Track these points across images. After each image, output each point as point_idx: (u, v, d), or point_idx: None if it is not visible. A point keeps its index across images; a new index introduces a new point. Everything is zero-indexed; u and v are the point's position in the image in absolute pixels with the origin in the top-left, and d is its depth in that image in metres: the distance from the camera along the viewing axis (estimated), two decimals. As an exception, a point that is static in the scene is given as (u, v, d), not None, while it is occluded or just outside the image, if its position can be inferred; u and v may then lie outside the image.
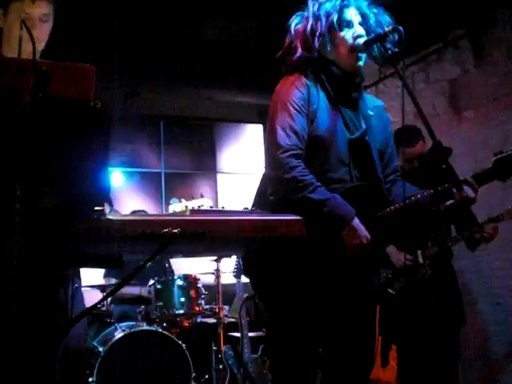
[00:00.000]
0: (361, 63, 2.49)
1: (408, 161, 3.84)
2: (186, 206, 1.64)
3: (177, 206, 3.58)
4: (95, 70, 1.45)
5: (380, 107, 2.69)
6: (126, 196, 7.05)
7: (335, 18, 2.45)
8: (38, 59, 1.44)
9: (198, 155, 7.75)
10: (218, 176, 7.74)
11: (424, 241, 3.81)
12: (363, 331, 2.47)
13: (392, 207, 2.41)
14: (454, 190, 2.28)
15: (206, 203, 3.64)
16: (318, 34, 2.45)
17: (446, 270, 3.93)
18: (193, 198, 3.61)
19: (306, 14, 2.52)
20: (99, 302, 2.52)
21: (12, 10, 2.24)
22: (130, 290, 5.24)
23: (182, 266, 5.98)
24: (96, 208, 1.47)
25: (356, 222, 2.33)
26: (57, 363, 1.98)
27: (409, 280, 3.84)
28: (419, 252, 3.82)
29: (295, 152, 2.37)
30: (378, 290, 3.99)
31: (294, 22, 2.56)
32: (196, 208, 3.57)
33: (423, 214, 2.41)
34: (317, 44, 2.46)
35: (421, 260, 3.82)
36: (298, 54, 2.50)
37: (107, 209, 2.00)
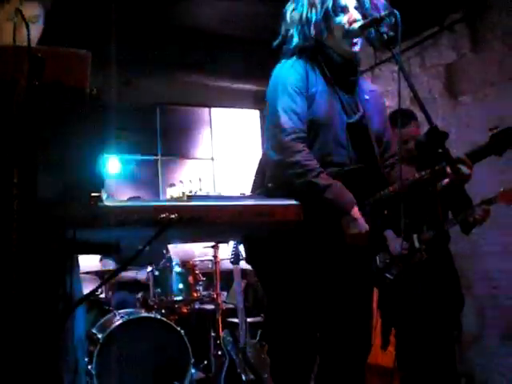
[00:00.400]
0: (357, 48, 2.49)
1: (403, 143, 3.85)
2: (184, 192, 1.64)
3: (174, 190, 3.57)
4: (91, 56, 1.45)
5: (376, 92, 2.69)
6: (124, 183, 7.05)
7: (330, 4, 2.44)
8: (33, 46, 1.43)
9: (195, 142, 7.75)
10: (215, 162, 7.74)
11: (420, 225, 3.82)
12: (360, 315, 2.49)
13: (389, 188, 2.41)
14: (447, 168, 2.29)
15: (204, 187, 3.63)
16: (313, 21, 2.44)
17: (443, 253, 3.94)
18: (191, 182, 3.59)
19: (301, 0, 2.51)
20: (98, 288, 2.52)
21: (0, 12, 2.23)
22: (126, 275, 5.25)
23: (179, 252, 5.99)
24: (93, 194, 1.48)
25: (356, 211, 2.33)
26: (61, 350, 1.99)
27: (406, 265, 3.85)
28: (415, 236, 3.83)
29: (299, 135, 2.37)
30: (375, 273, 4.02)
31: (290, 9, 2.55)
32: (195, 192, 3.56)
33: (420, 194, 2.42)
34: (312, 33, 2.45)
35: (417, 244, 3.83)
36: (294, 43, 2.50)
37: (104, 195, 2.00)
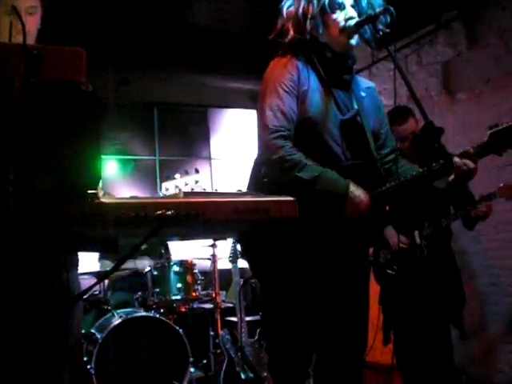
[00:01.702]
0: (353, 42, 2.49)
1: (401, 139, 3.86)
2: (180, 189, 1.64)
3: (171, 184, 3.55)
4: (86, 53, 1.46)
5: (372, 88, 2.69)
6: (121, 184, 7.05)
7: (327, 0, 2.45)
8: (29, 43, 1.43)
9: (192, 142, 7.75)
10: (212, 162, 7.74)
11: (422, 220, 3.83)
12: (356, 311, 2.49)
13: (389, 184, 2.41)
14: (455, 161, 2.28)
15: (200, 178, 3.61)
16: (309, 16, 2.45)
17: (444, 250, 3.94)
18: (187, 174, 3.58)
19: None
20: (95, 284, 2.53)
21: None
22: (125, 266, 5.23)
23: (177, 251, 5.99)
24: (90, 191, 1.48)
25: (352, 190, 2.32)
26: (58, 347, 1.99)
27: (407, 261, 3.86)
28: (416, 232, 3.84)
29: (282, 133, 2.37)
30: (377, 269, 4.03)
31: (286, 5, 2.56)
32: (192, 184, 3.55)
33: (420, 191, 2.42)
34: (308, 27, 2.46)
35: (418, 240, 3.84)
36: (289, 37, 2.50)
37: (101, 192, 2.00)
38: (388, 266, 3.97)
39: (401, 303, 3.89)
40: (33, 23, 2.26)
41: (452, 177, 2.33)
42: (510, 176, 4.22)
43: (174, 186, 3.52)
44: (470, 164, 2.29)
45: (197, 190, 3.47)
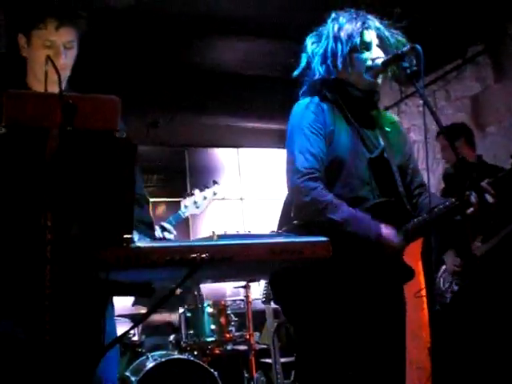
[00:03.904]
0: (379, 80, 2.51)
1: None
2: (214, 232, 1.65)
3: (190, 200, 3.52)
4: (120, 102, 1.49)
5: (396, 123, 2.70)
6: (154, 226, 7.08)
7: (358, 40, 2.47)
8: (65, 92, 1.46)
9: (224, 182, 7.79)
10: (244, 202, 7.76)
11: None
12: (393, 350, 2.45)
13: (415, 220, 2.40)
14: (472, 197, 2.26)
15: (218, 190, 3.60)
16: (339, 55, 2.47)
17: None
18: (206, 188, 3.57)
19: (324, 34, 2.54)
20: (130, 329, 2.53)
21: (35, 38, 2.22)
22: (158, 317, 5.25)
23: (211, 293, 5.98)
24: (125, 236, 1.50)
25: (384, 232, 2.32)
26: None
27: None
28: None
29: (313, 175, 2.37)
30: (436, 295, 3.96)
31: (310, 41, 2.59)
32: (211, 197, 3.50)
33: (446, 223, 2.40)
34: (340, 66, 2.47)
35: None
36: (317, 75, 2.52)
37: (136, 237, 2.02)
38: (447, 290, 3.91)
39: (461, 332, 3.78)
40: (70, 57, 2.29)
41: (471, 209, 2.30)
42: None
43: (193, 202, 3.50)
44: (490, 199, 2.26)
45: (216, 199, 3.42)
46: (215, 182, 3.65)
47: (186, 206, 3.53)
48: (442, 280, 4.11)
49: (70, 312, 1.72)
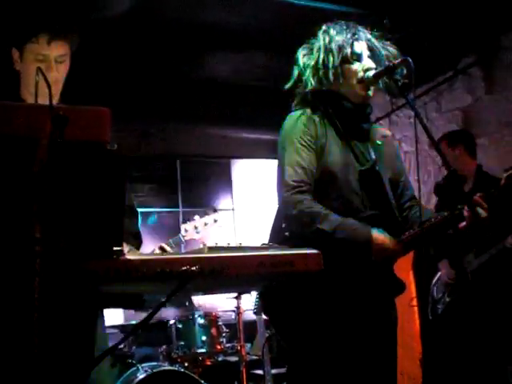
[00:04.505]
0: (370, 92, 2.52)
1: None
2: (205, 245, 1.65)
3: (190, 225, 3.60)
4: (111, 113, 1.48)
5: (388, 137, 2.70)
6: (145, 236, 7.06)
7: (348, 50, 2.48)
8: (55, 103, 1.46)
9: (215, 193, 7.79)
10: (235, 212, 7.76)
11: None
12: (384, 364, 2.44)
13: (407, 233, 2.40)
14: (464, 211, 2.26)
15: (219, 217, 3.67)
16: (330, 66, 2.47)
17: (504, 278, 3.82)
18: (206, 214, 3.65)
19: (315, 46, 2.55)
20: (120, 342, 2.51)
21: (27, 52, 2.25)
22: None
23: (202, 304, 5.96)
24: (115, 248, 1.49)
25: (375, 235, 2.31)
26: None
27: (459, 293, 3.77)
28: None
29: (301, 189, 2.38)
30: (430, 305, 3.98)
31: (302, 53, 2.59)
32: (211, 223, 3.61)
33: (438, 237, 2.41)
34: (332, 77, 2.48)
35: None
36: (309, 87, 2.52)
37: (126, 248, 2.01)
38: (439, 302, 3.91)
39: (451, 343, 3.78)
40: (62, 71, 2.30)
41: (463, 223, 2.29)
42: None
43: (194, 227, 3.57)
44: (483, 212, 2.26)
45: (216, 227, 3.52)
46: (215, 210, 3.73)
47: (186, 230, 3.61)
48: (435, 289, 4.11)
49: (59, 324, 1.71)
